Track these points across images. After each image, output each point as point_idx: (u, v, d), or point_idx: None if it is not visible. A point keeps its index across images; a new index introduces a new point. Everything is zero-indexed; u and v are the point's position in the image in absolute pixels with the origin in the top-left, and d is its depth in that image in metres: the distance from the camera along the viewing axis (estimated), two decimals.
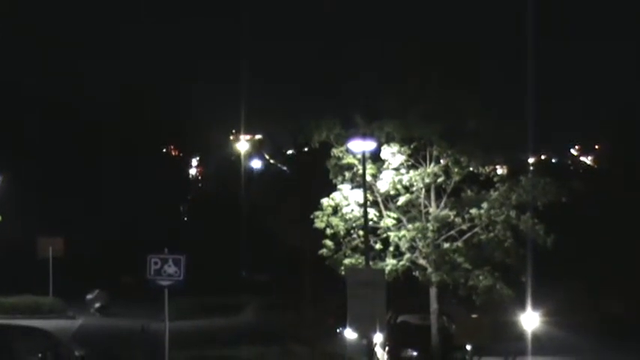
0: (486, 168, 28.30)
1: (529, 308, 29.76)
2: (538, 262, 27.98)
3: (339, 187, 28.04)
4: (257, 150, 61.55)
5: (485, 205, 27.01)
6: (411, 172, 27.65)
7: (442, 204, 27.82)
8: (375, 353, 30.85)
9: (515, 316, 30.67)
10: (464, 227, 27.45)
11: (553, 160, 77.95)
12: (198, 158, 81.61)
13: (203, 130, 72.18)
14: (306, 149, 31.05)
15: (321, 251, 27.94)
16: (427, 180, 27.46)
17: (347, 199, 27.82)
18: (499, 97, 27.94)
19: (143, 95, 66.84)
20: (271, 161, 63.95)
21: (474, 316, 30.60)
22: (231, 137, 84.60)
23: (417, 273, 27.51)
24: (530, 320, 29.97)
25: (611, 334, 40.90)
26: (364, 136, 25.85)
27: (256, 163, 71.61)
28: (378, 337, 27.43)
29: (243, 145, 65.10)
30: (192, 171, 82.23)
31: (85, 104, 64.51)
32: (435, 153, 27.70)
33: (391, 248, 27.50)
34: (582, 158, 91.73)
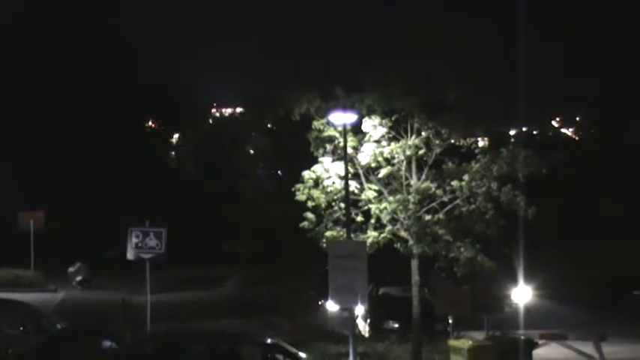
0: (467, 140, 28.27)
1: (517, 281, 29.97)
2: (524, 233, 28.11)
3: (320, 159, 27.94)
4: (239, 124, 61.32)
5: (466, 177, 26.97)
6: (392, 144, 27.55)
7: (423, 176, 27.76)
8: (357, 325, 30.97)
9: (501, 288, 30.84)
10: (445, 199, 27.41)
11: (534, 132, 78.05)
12: (178, 134, 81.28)
13: (185, 100, 71.81)
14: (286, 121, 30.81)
15: (302, 224, 27.89)
16: (408, 152, 27.40)
17: (328, 171, 27.73)
18: (480, 68, 27.68)
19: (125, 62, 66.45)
20: (252, 134, 63.87)
21: (465, 287, 30.57)
22: (213, 110, 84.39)
23: (398, 245, 27.50)
24: (518, 293, 30.17)
25: (596, 304, 41.28)
26: (345, 108, 25.76)
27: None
28: (360, 310, 27.49)
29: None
30: (173, 144, 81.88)
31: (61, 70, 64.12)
32: (415, 125, 27.61)
33: (372, 220, 27.43)
34: (563, 130, 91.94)
